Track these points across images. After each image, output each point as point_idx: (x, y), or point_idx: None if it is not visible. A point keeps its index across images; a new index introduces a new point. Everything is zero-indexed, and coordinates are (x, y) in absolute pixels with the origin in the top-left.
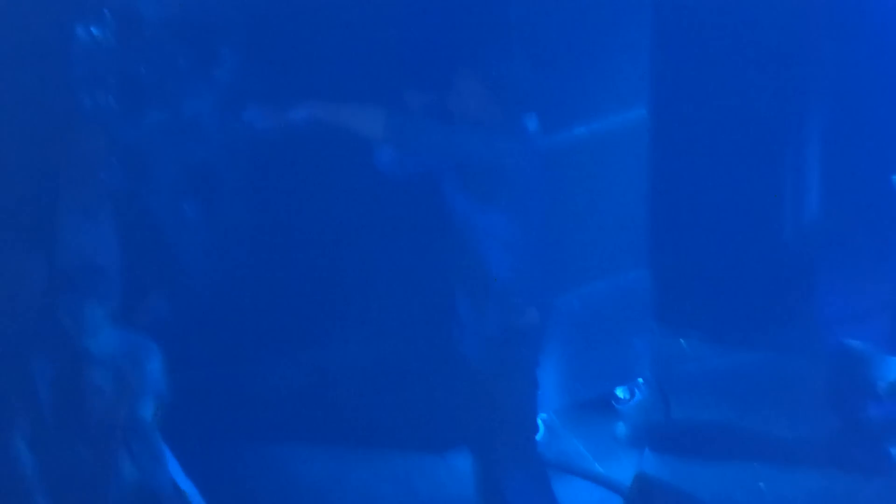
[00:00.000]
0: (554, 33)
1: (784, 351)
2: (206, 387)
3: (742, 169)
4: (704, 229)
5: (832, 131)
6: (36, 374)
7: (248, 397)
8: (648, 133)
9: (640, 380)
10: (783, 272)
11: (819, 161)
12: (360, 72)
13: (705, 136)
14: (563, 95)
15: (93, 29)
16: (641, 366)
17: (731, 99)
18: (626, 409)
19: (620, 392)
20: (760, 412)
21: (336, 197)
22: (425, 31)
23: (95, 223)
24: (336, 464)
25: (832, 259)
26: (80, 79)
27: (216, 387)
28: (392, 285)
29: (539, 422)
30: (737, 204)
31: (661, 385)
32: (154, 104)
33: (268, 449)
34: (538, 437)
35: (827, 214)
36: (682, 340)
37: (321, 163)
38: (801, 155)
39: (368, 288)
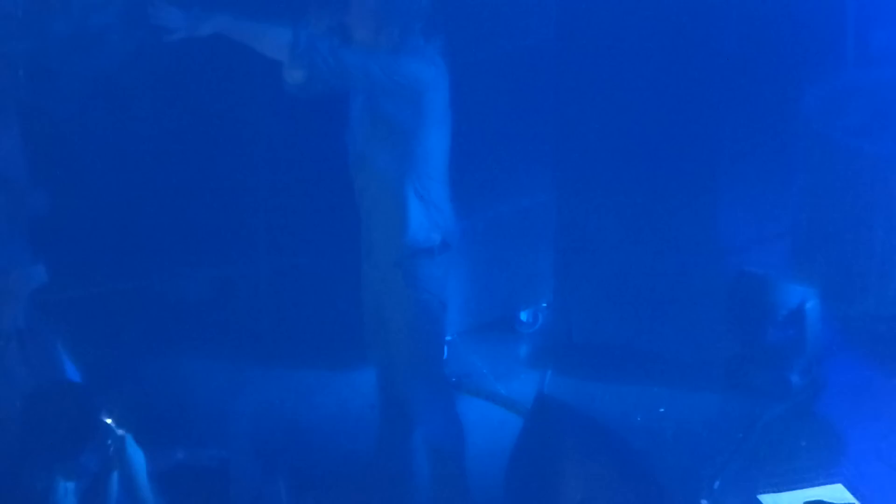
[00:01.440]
0: None
1: (685, 277)
2: (110, 299)
3: (644, 98)
4: (607, 158)
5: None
6: None
7: (151, 310)
8: (553, 58)
9: (544, 304)
10: (685, 202)
11: (721, 97)
12: None
13: (606, 64)
14: (469, 21)
15: None
16: (545, 290)
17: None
18: (529, 333)
19: (524, 316)
20: (662, 337)
21: (239, 110)
22: None
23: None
24: (238, 378)
25: (732, 186)
26: None
27: (120, 299)
28: (299, 201)
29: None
30: (640, 133)
31: (564, 309)
32: (60, 17)
33: (169, 361)
34: (443, 357)
35: (726, 149)
36: (585, 259)
37: (225, 77)
38: (703, 90)
39: (277, 203)
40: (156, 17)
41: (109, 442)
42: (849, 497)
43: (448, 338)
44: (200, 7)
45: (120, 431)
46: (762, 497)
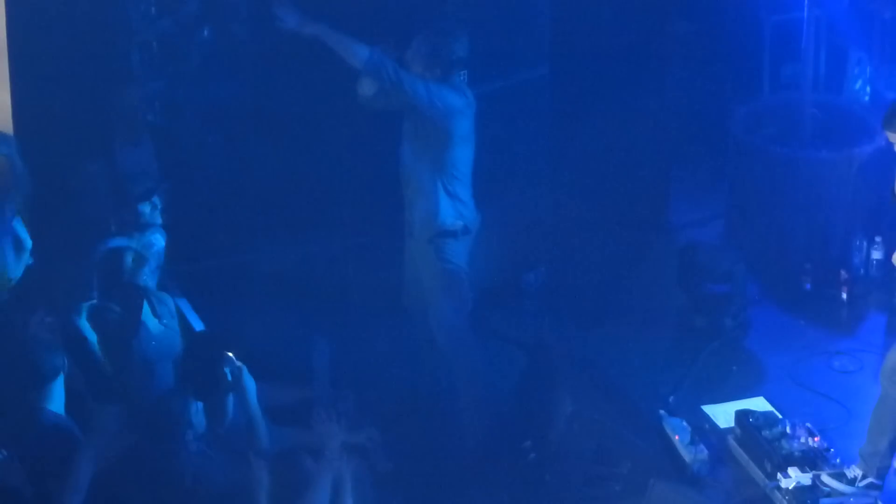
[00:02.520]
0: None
1: (646, 246)
2: (218, 271)
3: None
4: (592, 157)
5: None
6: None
7: (252, 277)
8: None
9: (542, 268)
10: (647, 190)
11: (673, 107)
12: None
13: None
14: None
15: (140, 5)
16: (542, 258)
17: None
18: (531, 290)
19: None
20: (630, 290)
21: (323, 127)
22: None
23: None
24: (316, 327)
25: (682, 182)
26: (130, 41)
27: (226, 270)
28: (365, 195)
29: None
30: (612, 138)
31: (556, 268)
32: (183, 60)
33: (268, 315)
34: (467, 310)
35: (677, 153)
36: (572, 239)
37: (313, 99)
38: (659, 105)
39: (347, 196)
40: (278, 8)
41: (230, 370)
42: (768, 406)
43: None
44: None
45: (238, 363)
46: (705, 408)
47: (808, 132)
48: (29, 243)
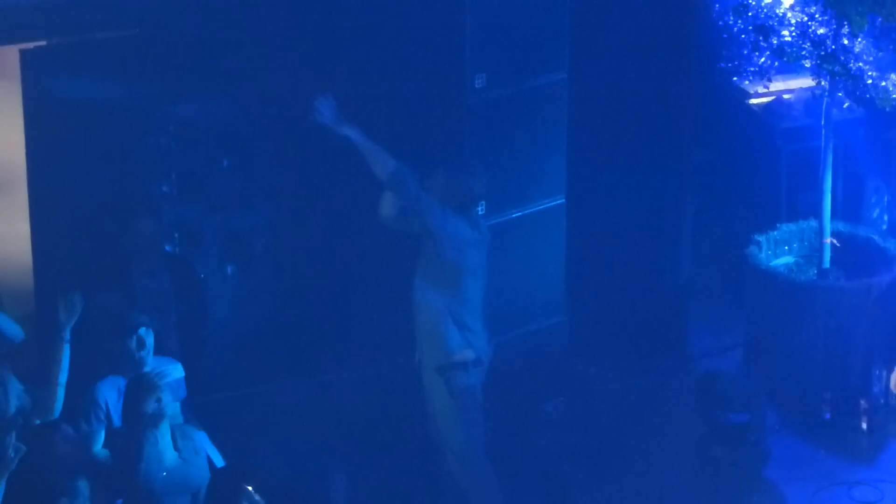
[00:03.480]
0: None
1: (665, 375)
2: (235, 402)
3: (634, 247)
4: (609, 287)
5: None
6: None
7: (268, 408)
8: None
9: (561, 398)
10: (665, 320)
11: (691, 235)
12: None
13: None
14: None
15: (161, 138)
16: (563, 386)
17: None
18: (549, 419)
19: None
20: (648, 420)
21: (339, 252)
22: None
23: (157, 281)
24: (333, 461)
25: (700, 309)
26: (150, 174)
27: (242, 402)
28: (374, 321)
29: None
30: (631, 267)
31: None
32: (205, 191)
33: (286, 447)
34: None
35: (697, 277)
36: (591, 368)
37: (330, 229)
38: (677, 234)
39: (359, 325)
40: (320, 102)
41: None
42: None
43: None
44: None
45: (257, 497)
46: None
47: (826, 261)
48: None
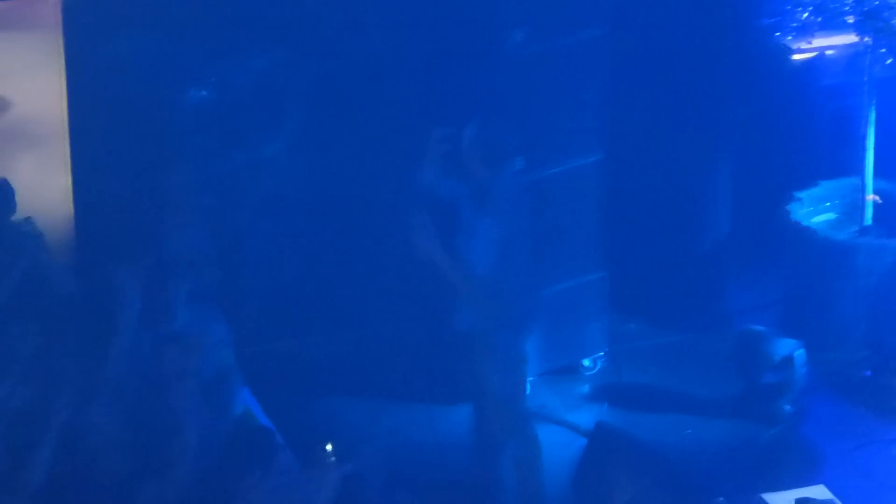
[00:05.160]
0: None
1: (705, 333)
2: (269, 354)
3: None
4: (649, 243)
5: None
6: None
7: (302, 362)
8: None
9: (601, 353)
10: (706, 277)
11: (732, 193)
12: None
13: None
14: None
15: (203, 91)
16: (602, 343)
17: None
18: (590, 375)
19: (587, 362)
20: (687, 377)
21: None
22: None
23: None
24: (371, 411)
25: (740, 267)
26: (190, 128)
27: (277, 354)
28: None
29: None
30: (671, 224)
31: (616, 357)
32: (242, 147)
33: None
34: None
35: (736, 236)
36: (630, 325)
37: (367, 181)
38: (716, 190)
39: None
40: (468, 161)
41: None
42: (828, 494)
43: (531, 378)
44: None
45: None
46: (765, 496)
47: (867, 218)
48: None
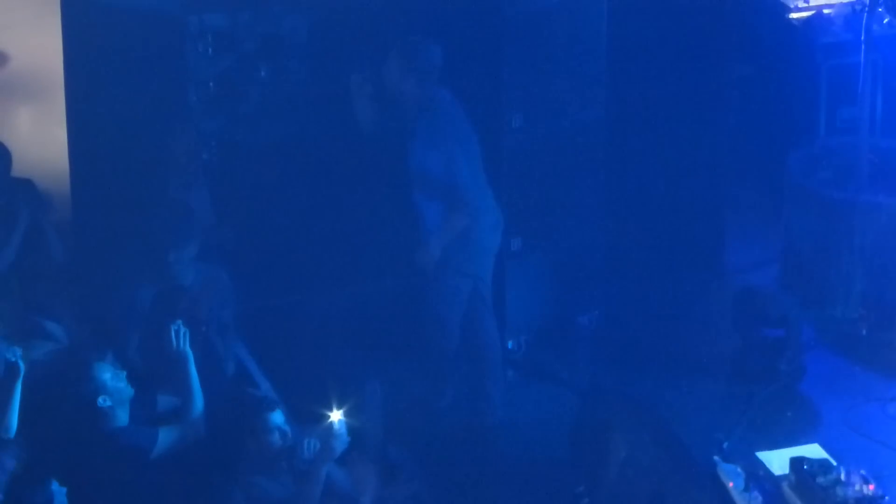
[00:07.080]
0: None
1: (701, 289)
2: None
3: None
4: (644, 201)
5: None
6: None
7: (305, 318)
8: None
9: (596, 311)
10: (702, 233)
11: (730, 150)
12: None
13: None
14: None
15: (198, 45)
16: (597, 300)
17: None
18: (588, 331)
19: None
20: (685, 334)
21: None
22: None
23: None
24: (364, 364)
25: (737, 223)
26: (187, 82)
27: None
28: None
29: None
30: (667, 182)
31: (610, 310)
32: (240, 100)
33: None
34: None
35: (733, 194)
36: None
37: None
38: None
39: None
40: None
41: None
42: (823, 453)
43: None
44: None
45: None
46: (759, 454)
47: (864, 176)
48: None
